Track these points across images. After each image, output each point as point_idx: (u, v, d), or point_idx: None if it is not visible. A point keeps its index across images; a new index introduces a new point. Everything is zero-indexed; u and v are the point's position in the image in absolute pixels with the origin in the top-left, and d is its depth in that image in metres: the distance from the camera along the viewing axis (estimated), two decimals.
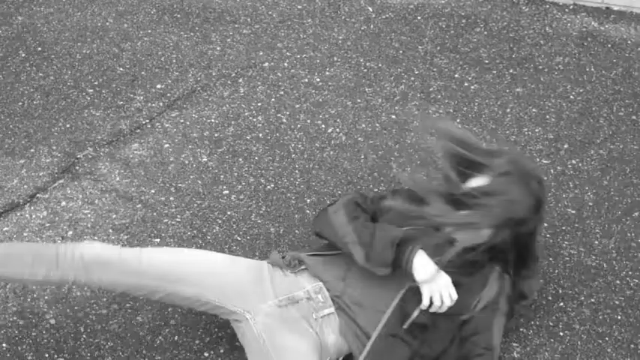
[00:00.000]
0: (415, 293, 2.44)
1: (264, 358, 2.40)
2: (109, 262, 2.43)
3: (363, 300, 2.49)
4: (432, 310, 2.44)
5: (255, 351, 2.43)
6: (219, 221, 3.08)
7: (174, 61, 3.90)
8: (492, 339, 2.48)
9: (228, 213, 3.12)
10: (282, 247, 2.98)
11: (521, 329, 2.72)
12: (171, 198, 3.17)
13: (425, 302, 2.41)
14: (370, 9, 4.29)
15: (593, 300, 2.85)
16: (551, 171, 3.35)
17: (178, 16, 4.21)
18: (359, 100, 3.69)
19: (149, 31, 4.09)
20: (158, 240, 2.99)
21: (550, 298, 2.82)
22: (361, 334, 2.48)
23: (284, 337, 2.42)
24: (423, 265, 2.40)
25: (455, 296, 2.42)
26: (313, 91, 3.74)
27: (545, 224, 3.03)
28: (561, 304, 2.82)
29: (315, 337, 2.46)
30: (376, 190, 3.23)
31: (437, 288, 2.41)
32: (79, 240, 2.78)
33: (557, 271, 2.92)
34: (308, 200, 3.19)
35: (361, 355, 2.44)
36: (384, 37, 4.10)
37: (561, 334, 2.73)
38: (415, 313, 2.45)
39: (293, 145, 3.44)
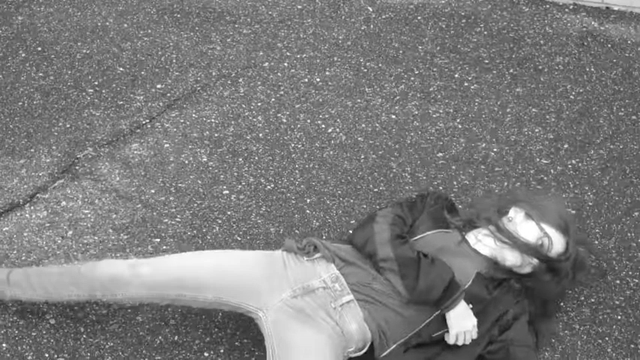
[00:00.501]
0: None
1: (277, 351, 2.41)
2: (126, 279, 2.53)
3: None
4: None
5: (270, 345, 2.44)
6: (219, 221, 3.08)
7: (174, 61, 3.90)
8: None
9: (228, 213, 3.12)
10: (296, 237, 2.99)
11: None
12: (171, 198, 3.17)
13: (451, 342, 2.49)
14: (370, 9, 4.29)
15: (593, 300, 2.85)
16: (551, 171, 3.35)
17: (178, 16, 4.21)
18: (359, 100, 3.69)
19: (149, 31, 4.09)
20: (158, 240, 2.99)
21: None
22: (384, 324, 2.50)
23: (295, 330, 2.42)
24: (459, 316, 2.48)
25: (475, 336, 2.50)
26: (313, 91, 3.74)
27: None
28: (561, 304, 2.82)
29: (335, 327, 2.44)
30: (376, 190, 3.23)
31: (463, 331, 2.48)
32: (98, 257, 2.79)
33: None
34: (308, 200, 3.19)
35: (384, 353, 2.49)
36: (384, 37, 4.10)
37: (561, 334, 2.73)
38: (439, 333, 2.53)
39: (293, 145, 3.44)
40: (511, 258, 2.61)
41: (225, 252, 2.64)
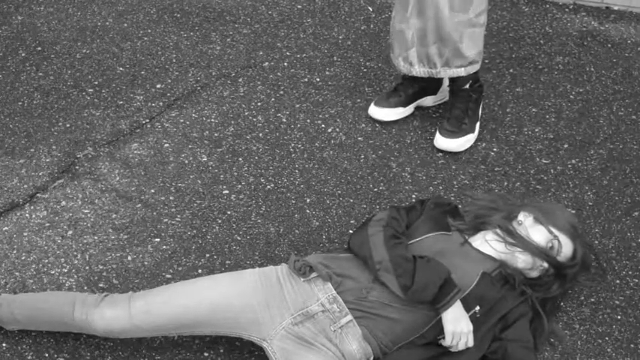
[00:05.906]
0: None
1: None
2: (124, 330, 2.52)
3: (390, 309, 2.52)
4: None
5: None
6: (219, 221, 3.08)
7: (174, 60, 3.90)
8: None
9: (228, 213, 3.12)
10: (296, 251, 2.99)
11: None
12: (171, 198, 3.17)
13: (447, 344, 2.49)
14: (370, 9, 4.29)
15: (593, 300, 2.85)
16: (551, 171, 3.35)
17: (178, 15, 4.21)
18: (359, 100, 3.69)
19: (149, 30, 4.09)
20: (158, 240, 2.99)
21: None
22: (383, 337, 2.51)
23: (303, 356, 2.44)
24: (455, 317, 2.47)
25: (471, 344, 2.49)
26: (313, 90, 3.74)
27: None
28: (561, 303, 2.82)
29: (336, 352, 2.47)
30: (376, 189, 3.23)
31: (459, 333, 2.48)
32: (90, 306, 2.56)
33: None
34: (308, 200, 3.19)
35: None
36: (384, 36, 4.09)
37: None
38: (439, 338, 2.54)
39: (293, 144, 3.44)
40: (522, 261, 2.62)
41: (219, 284, 2.56)
